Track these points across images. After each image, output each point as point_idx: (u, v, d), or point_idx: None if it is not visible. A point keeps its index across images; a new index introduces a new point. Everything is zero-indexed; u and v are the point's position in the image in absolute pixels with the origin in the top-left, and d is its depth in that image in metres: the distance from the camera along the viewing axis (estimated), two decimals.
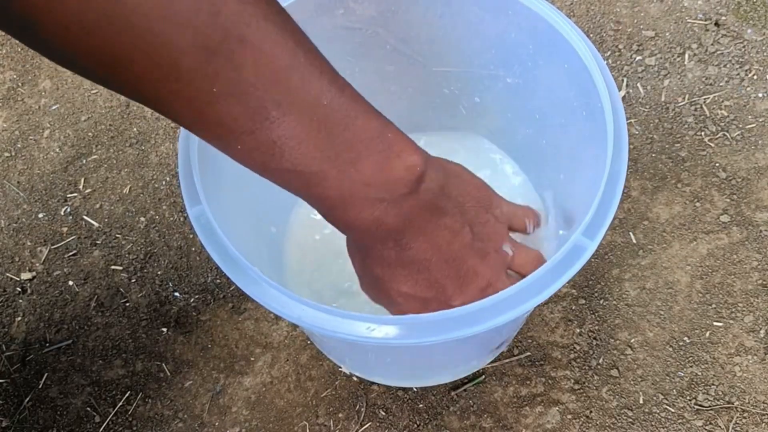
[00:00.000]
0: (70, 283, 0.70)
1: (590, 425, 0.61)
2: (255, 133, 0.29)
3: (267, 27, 0.27)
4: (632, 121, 0.74)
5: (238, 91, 0.28)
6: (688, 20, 0.79)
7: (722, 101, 0.74)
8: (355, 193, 0.32)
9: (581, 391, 0.62)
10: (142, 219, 0.73)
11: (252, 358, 0.65)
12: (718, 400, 0.61)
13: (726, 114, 0.73)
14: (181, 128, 0.42)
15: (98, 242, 0.72)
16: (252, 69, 0.27)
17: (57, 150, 0.78)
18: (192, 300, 0.69)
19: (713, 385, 0.61)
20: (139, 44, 0.25)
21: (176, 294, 0.69)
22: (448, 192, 0.36)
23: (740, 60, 0.76)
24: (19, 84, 0.83)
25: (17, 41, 0.85)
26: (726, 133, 0.72)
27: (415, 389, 0.63)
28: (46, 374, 0.66)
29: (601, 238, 0.37)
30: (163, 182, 0.75)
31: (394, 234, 0.34)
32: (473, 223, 0.38)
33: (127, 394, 0.65)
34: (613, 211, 0.38)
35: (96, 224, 0.73)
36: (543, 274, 0.36)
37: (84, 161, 0.77)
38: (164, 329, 0.68)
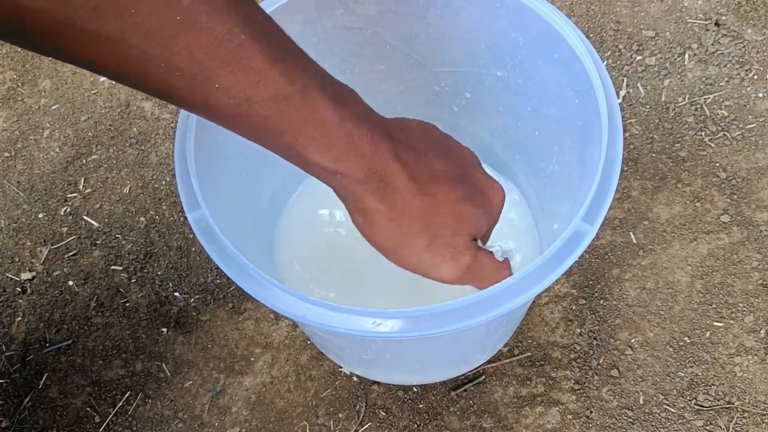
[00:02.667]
0: (70, 283, 0.70)
1: (590, 425, 0.60)
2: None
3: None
4: (632, 121, 0.74)
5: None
6: (689, 20, 0.79)
7: (722, 101, 0.74)
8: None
9: (581, 391, 0.62)
10: (142, 219, 0.73)
11: (252, 358, 0.65)
12: (718, 401, 0.61)
13: (726, 114, 0.73)
14: (178, 131, 0.42)
15: (98, 242, 0.72)
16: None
17: (57, 150, 0.78)
18: (192, 300, 0.68)
19: (713, 385, 0.61)
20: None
21: (176, 294, 0.69)
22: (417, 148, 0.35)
23: (740, 60, 0.76)
24: (19, 84, 0.83)
25: None
26: (726, 133, 0.72)
27: (415, 389, 0.63)
28: (46, 374, 0.66)
29: (601, 223, 0.37)
30: (163, 182, 0.75)
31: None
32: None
33: (127, 395, 0.65)
34: (611, 196, 0.38)
35: (96, 224, 0.73)
36: (544, 261, 0.36)
37: (84, 161, 0.77)
38: (164, 329, 0.68)
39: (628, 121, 0.74)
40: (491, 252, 0.39)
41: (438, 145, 0.37)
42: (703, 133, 0.72)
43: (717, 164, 0.71)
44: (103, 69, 0.27)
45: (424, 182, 0.34)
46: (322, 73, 0.32)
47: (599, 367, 0.63)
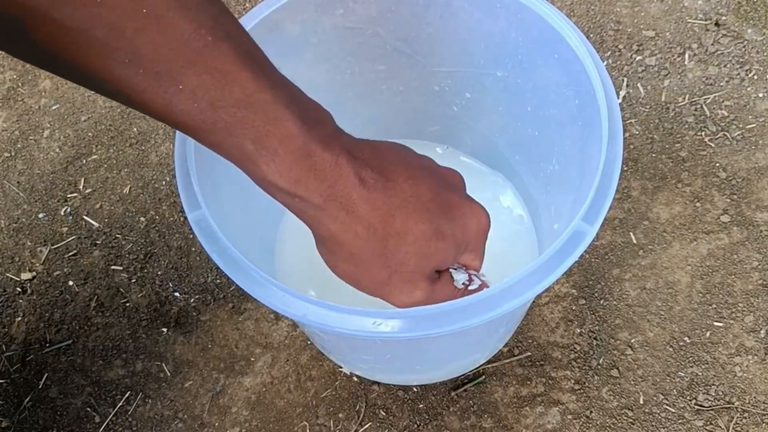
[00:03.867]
0: (70, 283, 0.70)
1: (590, 425, 0.60)
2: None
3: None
4: (632, 121, 0.74)
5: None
6: (689, 20, 0.79)
7: (722, 101, 0.74)
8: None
9: (581, 391, 0.62)
10: (142, 219, 0.73)
11: (252, 359, 0.65)
12: (718, 401, 0.61)
13: (726, 114, 0.73)
14: (177, 132, 0.42)
15: (98, 242, 0.72)
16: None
17: (57, 150, 0.78)
18: (192, 300, 0.69)
19: (713, 385, 0.61)
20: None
21: (176, 294, 0.69)
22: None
23: (740, 60, 0.76)
24: (19, 84, 0.83)
25: None
26: (726, 133, 0.72)
27: (415, 389, 0.63)
28: (46, 374, 0.66)
29: (601, 223, 0.37)
30: (163, 182, 0.75)
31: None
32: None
33: (127, 395, 0.65)
34: (611, 196, 0.38)
35: (96, 224, 0.73)
36: (544, 261, 0.36)
37: (84, 161, 0.77)
38: (164, 329, 0.68)
39: (628, 121, 0.74)
40: (453, 276, 0.38)
41: (411, 167, 0.34)
42: (703, 133, 0.72)
43: (717, 164, 0.71)
44: (67, 65, 0.26)
45: (390, 213, 0.32)
46: (291, 87, 0.30)
47: (599, 367, 0.63)
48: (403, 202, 0.32)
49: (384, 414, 0.62)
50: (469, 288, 0.38)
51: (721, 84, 0.75)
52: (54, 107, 0.81)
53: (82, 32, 0.24)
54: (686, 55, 0.77)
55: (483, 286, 0.39)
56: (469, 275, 0.38)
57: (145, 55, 0.25)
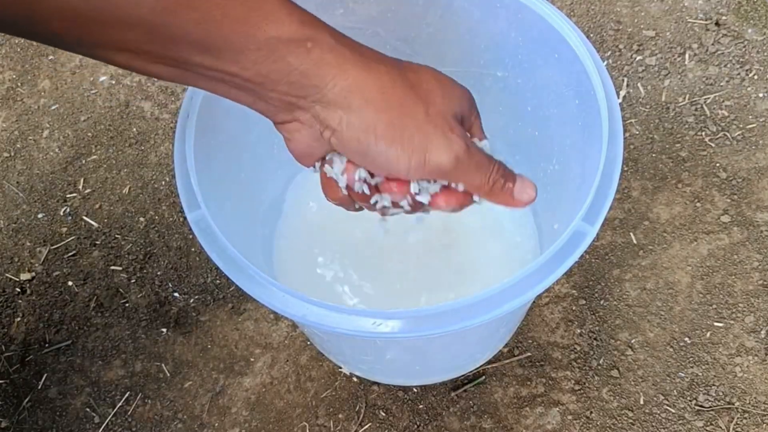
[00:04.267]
0: (70, 283, 0.70)
1: (591, 426, 0.60)
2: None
3: None
4: (632, 121, 0.74)
5: None
6: (689, 20, 0.79)
7: (723, 101, 0.74)
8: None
9: (582, 391, 0.62)
10: (142, 219, 0.73)
11: (252, 359, 0.65)
12: (718, 401, 0.61)
13: (726, 114, 0.73)
14: (177, 131, 0.42)
15: (98, 242, 0.72)
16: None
17: (56, 150, 0.78)
18: (192, 300, 0.68)
19: (714, 385, 0.61)
20: None
21: (176, 294, 0.69)
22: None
23: (741, 60, 0.76)
24: (19, 84, 0.83)
25: (17, 41, 0.85)
26: (726, 133, 0.72)
27: (415, 389, 0.63)
28: (45, 375, 0.66)
29: (601, 223, 0.37)
30: (163, 182, 0.75)
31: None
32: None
33: (126, 395, 0.65)
34: (612, 196, 0.38)
35: (95, 224, 0.73)
36: (544, 261, 0.36)
37: (83, 161, 0.77)
38: (164, 330, 0.67)
39: (629, 121, 0.74)
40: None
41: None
42: (703, 133, 0.72)
43: (717, 164, 0.71)
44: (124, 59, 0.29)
45: (402, 66, 0.33)
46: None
47: (599, 367, 0.63)
48: (405, 64, 0.34)
49: (384, 414, 0.62)
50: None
51: (722, 84, 0.75)
52: (53, 107, 0.81)
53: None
54: (686, 55, 0.77)
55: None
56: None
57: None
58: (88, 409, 0.65)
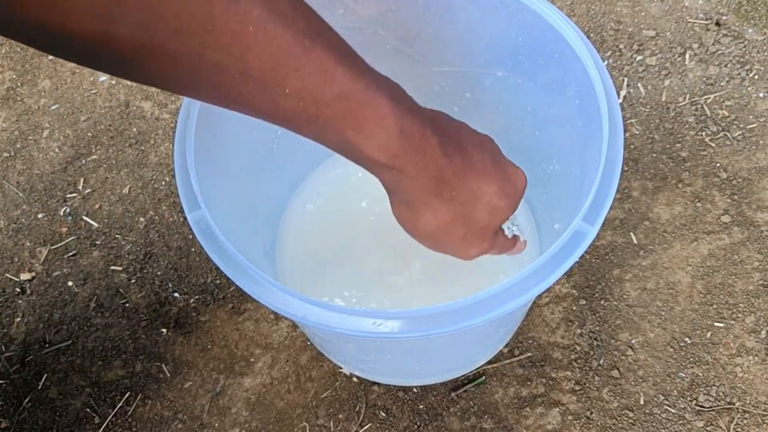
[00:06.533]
0: (70, 283, 0.70)
1: (591, 426, 0.60)
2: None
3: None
4: (633, 121, 0.74)
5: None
6: (689, 20, 0.79)
7: (723, 101, 0.74)
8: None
9: (582, 392, 0.62)
10: (142, 219, 0.73)
11: (252, 359, 0.65)
12: (719, 401, 0.61)
13: (727, 114, 0.73)
14: (177, 131, 0.42)
15: (98, 243, 0.72)
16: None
17: (56, 150, 0.78)
18: (192, 301, 0.68)
19: (714, 385, 0.61)
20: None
21: (176, 295, 0.69)
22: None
23: (741, 60, 0.76)
24: (19, 84, 0.83)
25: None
26: (727, 133, 0.72)
27: (415, 390, 0.63)
28: (45, 375, 0.66)
29: (601, 223, 0.38)
30: (163, 182, 0.75)
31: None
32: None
33: (126, 395, 0.65)
34: (612, 196, 0.38)
35: (95, 224, 0.73)
36: (545, 261, 0.36)
37: (83, 161, 0.77)
38: (164, 330, 0.67)
39: (629, 121, 0.74)
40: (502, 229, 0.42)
41: (470, 134, 0.39)
42: (703, 133, 0.72)
43: (718, 164, 0.71)
44: (179, 83, 0.28)
45: (467, 177, 0.36)
46: (373, 70, 0.33)
47: (600, 367, 0.63)
48: (475, 168, 0.37)
49: (384, 415, 0.62)
50: (511, 234, 0.44)
51: (722, 84, 0.75)
52: (53, 107, 0.81)
53: (195, 57, 0.27)
54: (687, 55, 0.77)
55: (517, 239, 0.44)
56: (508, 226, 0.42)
57: (254, 68, 0.28)
58: (88, 410, 0.65)
